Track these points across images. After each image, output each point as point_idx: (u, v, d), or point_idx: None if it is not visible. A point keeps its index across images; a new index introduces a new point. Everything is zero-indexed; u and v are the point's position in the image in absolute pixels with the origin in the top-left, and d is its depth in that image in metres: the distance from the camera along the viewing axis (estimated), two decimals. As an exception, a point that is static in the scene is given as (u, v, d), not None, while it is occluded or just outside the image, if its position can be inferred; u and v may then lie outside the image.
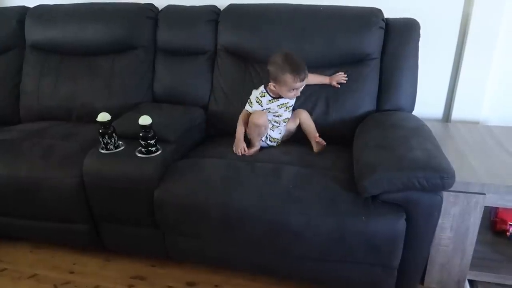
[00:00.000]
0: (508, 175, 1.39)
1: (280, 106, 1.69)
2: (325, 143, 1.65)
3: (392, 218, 1.30)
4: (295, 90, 1.61)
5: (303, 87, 1.64)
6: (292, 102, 1.72)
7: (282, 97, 1.67)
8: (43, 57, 2.11)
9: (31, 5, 2.18)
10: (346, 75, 1.77)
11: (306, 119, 1.74)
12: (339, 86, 1.77)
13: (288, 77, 1.56)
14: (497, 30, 1.80)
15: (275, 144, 1.75)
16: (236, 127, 1.72)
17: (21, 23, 2.13)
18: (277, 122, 1.73)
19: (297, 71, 1.55)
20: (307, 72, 1.59)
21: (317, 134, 1.67)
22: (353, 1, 1.83)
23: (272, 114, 1.71)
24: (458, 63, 1.93)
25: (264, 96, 1.68)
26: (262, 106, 1.68)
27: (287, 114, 1.73)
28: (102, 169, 1.55)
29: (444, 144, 1.57)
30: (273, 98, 1.68)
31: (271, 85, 1.64)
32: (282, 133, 1.76)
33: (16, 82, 2.14)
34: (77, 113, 2.05)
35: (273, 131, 1.73)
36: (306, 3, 1.87)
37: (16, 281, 1.71)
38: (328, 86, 1.79)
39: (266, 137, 1.73)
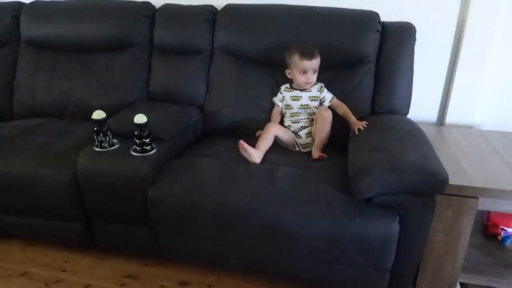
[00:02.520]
0: (501, 179, 1.40)
1: (293, 98, 1.75)
2: (323, 157, 1.62)
3: (385, 220, 1.31)
4: (305, 73, 1.69)
5: (315, 75, 1.71)
6: (307, 99, 1.74)
7: (298, 90, 1.76)
8: (38, 53, 2.10)
9: (27, 1, 2.16)
10: (367, 123, 1.66)
11: (321, 118, 1.67)
12: (356, 132, 1.65)
13: (296, 57, 1.67)
14: (492, 35, 1.81)
15: (310, 149, 1.71)
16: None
17: (16, 18, 2.12)
18: (297, 122, 1.74)
19: (303, 51, 1.66)
20: (316, 55, 1.67)
21: (319, 147, 1.65)
22: (350, 3, 1.84)
23: (289, 112, 1.77)
24: (453, 67, 1.94)
25: (284, 85, 1.81)
26: (281, 93, 1.81)
27: (305, 114, 1.74)
28: (96, 167, 1.54)
29: (438, 147, 1.58)
30: (291, 87, 1.79)
31: (287, 71, 1.75)
32: (308, 134, 1.73)
33: (10, 78, 2.12)
34: (71, 110, 2.04)
35: (300, 138, 1.74)
36: (303, 4, 1.88)
37: (7, 279, 1.70)
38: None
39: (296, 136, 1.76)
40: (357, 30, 1.76)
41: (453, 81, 1.93)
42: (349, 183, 1.38)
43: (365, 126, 1.64)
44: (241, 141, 1.55)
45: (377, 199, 1.32)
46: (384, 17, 1.81)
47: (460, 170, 1.47)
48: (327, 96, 1.75)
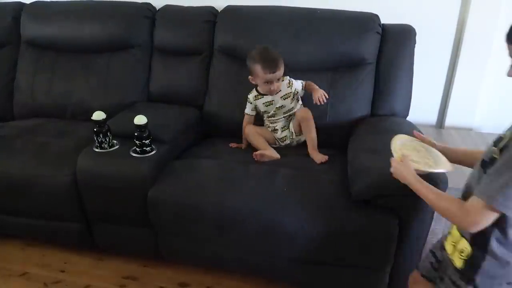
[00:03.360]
0: (500, 182, 1.40)
1: (266, 104, 1.72)
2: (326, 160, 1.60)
3: (384, 222, 1.31)
4: (269, 83, 1.62)
5: (279, 82, 1.64)
6: (280, 101, 1.70)
7: (267, 95, 1.71)
8: (38, 54, 2.10)
9: (27, 1, 2.16)
10: (327, 97, 1.64)
11: (304, 120, 1.66)
12: (318, 103, 1.63)
13: (259, 68, 1.59)
14: (492, 37, 1.82)
15: (288, 142, 1.75)
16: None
17: (16, 19, 2.12)
18: (275, 123, 1.74)
19: (267, 62, 1.58)
20: (280, 65, 1.59)
21: (315, 149, 1.64)
22: (350, 5, 1.84)
23: (266, 115, 1.74)
24: (453, 69, 1.94)
25: (251, 93, 1.75)
26: (251, 103, 1.75)
27: (281, 114, 1.72)
28: (96, 168, 1.54)
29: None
30: (259, 94, 1.72)
31: (250, 78, 1.68)
32: (291, 131, 1.73)
33: (10, 79, 2.13)
34: (71, 111, 2.04)
35: (276, 132, 1.74)
36: (304, 6, 1.88)
37: (7, 279, 1.70)
38: (324, 90, 1.77)
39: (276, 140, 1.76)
40: (357, 32, 1.77)
41: (453, 84, 1.93)
42: (348, 184, 1.38)
43: (326, 98, 1.62)
44: (255, 153, 1.62)
45: (376, 201, 1.32)
46: (384, 19, 1.81)
47: (459, 172, 1.46)
48: (298, 86, 1.70)
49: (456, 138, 1.80)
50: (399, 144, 1.17)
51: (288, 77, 1.71)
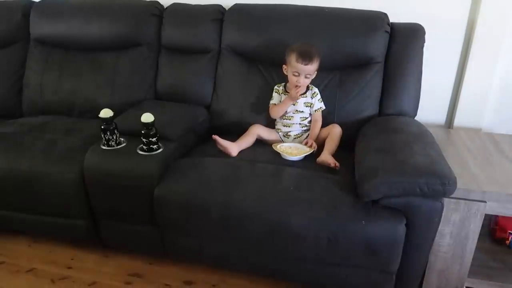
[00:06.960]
0: (509, 183, 1.39)
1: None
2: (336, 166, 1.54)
3: (392, 223, 1.30)
4: (297, 76, 1.64)
5: (307, 80, 1.66)
6: (302, 106, 1.72)
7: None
8: (47, 51, 2.11)
9: (37, -1, 2.18)
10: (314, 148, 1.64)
11: (334, 133, 1.67)
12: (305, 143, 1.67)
13: (293, 57, 1.62)
14: (502, 37, 1.79)
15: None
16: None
17: (26, 16, 2.13)
18: (288, 127, 1.74)
19: (302, 53, 1.61)
20: (314, 61, 1.62)
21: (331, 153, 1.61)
22: (358, 4, 1.83)
23: (282, 117, 1.75)
24: (462, 69, 1.92)
25: (280, 86, 1.78)
26: (279, 94, 1.77)
27: (297, 119, 1.72)
28: (103, 165, 1.55)
29: (446, 150, 1.56)
30: (286, 92, 1.74)
31: (283, 66, 1.71)
32: (297, 136, 1.75)
33: (19, 76, 2.14)
34: (79, 108, 2.05)
35: (288, 138, 1.75)
36: (312, 5, 1.87)
37: (14, 275, 1.71)
38: (332, 89, 1.79)
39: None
40: (365, 31, 1.75)
41: (462, 83, 1.91)
42: (355, 184, 1.37)
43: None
44: (214, 136, 1.62)
45: (384, 202, 1.31)
46: (393, 18, 1.80)
47: (468, 173, 1.45)
48: (316, 104, 1.73)
49: (465, 138, 1.78)
50: (278, 147, 1.64)
51: (317, 91, 1.74)
